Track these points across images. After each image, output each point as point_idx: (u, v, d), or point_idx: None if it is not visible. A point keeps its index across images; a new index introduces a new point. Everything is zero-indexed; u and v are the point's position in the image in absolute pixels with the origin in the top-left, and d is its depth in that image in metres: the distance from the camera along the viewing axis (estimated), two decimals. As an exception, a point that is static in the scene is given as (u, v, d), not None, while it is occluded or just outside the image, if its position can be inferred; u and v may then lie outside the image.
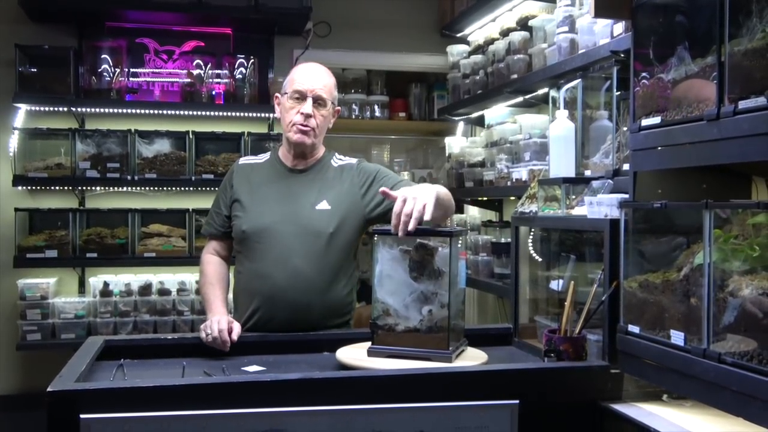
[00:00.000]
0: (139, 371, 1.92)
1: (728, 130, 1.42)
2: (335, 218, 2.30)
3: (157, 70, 4.13)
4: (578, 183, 2.21)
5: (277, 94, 2.42)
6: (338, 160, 2.45)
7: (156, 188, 4.06)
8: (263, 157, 2.47)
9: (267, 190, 2.34)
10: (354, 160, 2.46)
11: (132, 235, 3.92)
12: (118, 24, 4.13)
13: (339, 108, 2.47)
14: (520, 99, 3.39)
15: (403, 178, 2.43)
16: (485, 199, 4.09)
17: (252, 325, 2.28)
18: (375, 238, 1.98)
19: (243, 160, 2.48)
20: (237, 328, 2.13)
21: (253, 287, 2.30)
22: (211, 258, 2.41)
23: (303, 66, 2.40)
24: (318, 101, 2.30)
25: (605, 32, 2.35)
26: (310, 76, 2.32)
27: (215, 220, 2.42)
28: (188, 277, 3.97)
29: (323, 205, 2.31)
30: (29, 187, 3.95)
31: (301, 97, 2.29)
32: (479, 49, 3.85)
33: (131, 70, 4.08)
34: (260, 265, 2.28)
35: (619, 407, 1.71)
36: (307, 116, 2.29)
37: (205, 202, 3.54)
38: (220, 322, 2.10)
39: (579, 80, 2.45)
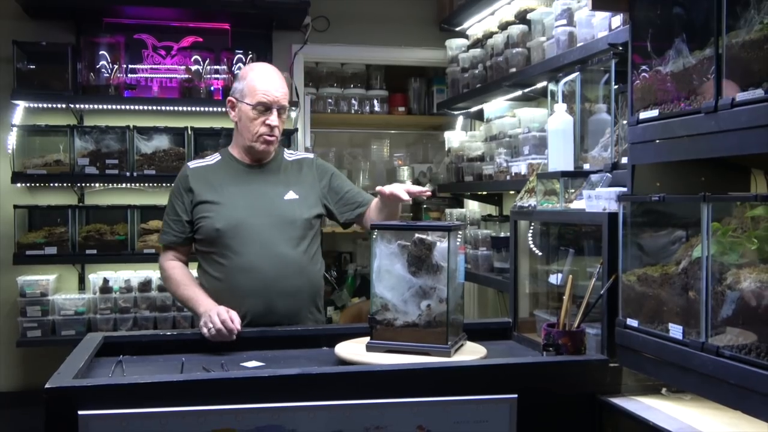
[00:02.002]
0: (137, 367, 1.92)
1: (726, 123, 1.41)
2: (305, 206, 2.40)
3: (155, 66, 4.12)
4: (577, 177, 2.20)
5: (231, 99, 2.41)
6: (290, 154, 2.54)
7: (155, 184, 4.05)
8: (213, 158, 2.48)
9: (231, 188, 2.36)
10: (310, 155, 2.58)
11: (131, 231, 3.92)
12: (116, 20, 4.11)
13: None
14: (519, 93, 3.38)
15: (348, 181, 2.57)
16: (485, 193, 4.09)
17: (250, 319, 2.27)
18: (374, 234, 1.97)
19: (193, 164, 2.47)
20: (236, 315, 2.14)
21: (239, 283, 2.29)
22: (174, 263, 2.40)
23: (261, 73, 2.39)
24: (281, 110, 2.38)
25: (603, 25, 2.35)
26: (272, 87, 2.35)
27: (173, 228, 2.38)
28: (188, 273, 3.97)
29: (291, 195, 2.40)
30: (28, 184, 3.94)
31: (266, 108, 2.34)
32: (478, 42, 3.84)
33: (129, 66, 4.06)
34: (243, 260, 2.29)
35: (617, 401, 1.71)
36: (273, 127, 2.36)
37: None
38: (220, 314, 2.11)
39: (577, 73, 2.44)
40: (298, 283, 2.33)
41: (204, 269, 2.39)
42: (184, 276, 2.36)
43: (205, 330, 2.11)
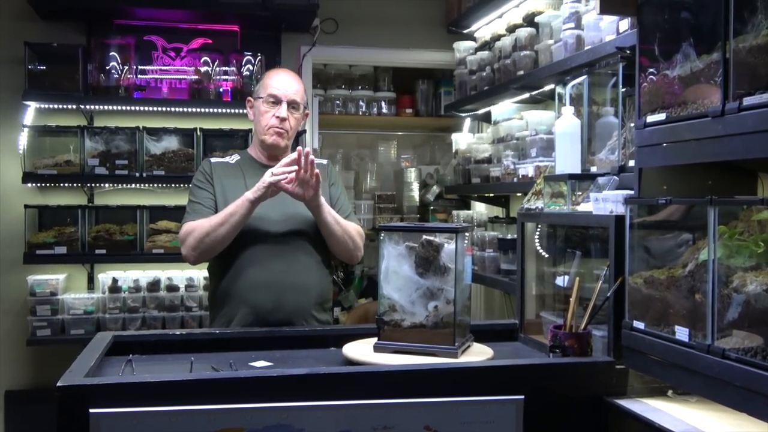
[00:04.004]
0: (147, 366, 1.94)
1: (733, 127, 1.42)
2: None
3: (165, 68, 4.14)
4: (584, 179, 2.21)
5: (249, 98, 2.55)
6: None
7: (164, 185, 4.07)
8: (234, 158, 2.56)
9: (248, 185, 2.39)
10: (324, 161, 2.63)
11: (140, 231, 3.94)
12: (126, 21, 4.14)
13: (308, 112, 2.64)
14: (526, 95, 3.38)
15: (345, 197, 2.59)
16: (492, 195, 4.10)
17: (261, 314, 2.32)
18: (381, 235, 1.99)
19: (216, 159, 2.56)
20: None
21: (250, 277, 2.35)
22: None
23: (276, 72, 2.55)
24: (292, 105, 2.45)
25: (611, 28, 2.35)
26: (284, 83, 2.47)
27: (205, 204, 2.41)
28: (196, 273, 3.99)
29: None
30: (39, 184, 3.97)
31: (276, 101, 2.44)
32: (486, 45, 3.85)
33: (139, 67, 4.09)
34: (256, 254, 2.35)
35: (623, 403, 1.71)
36: (282, 119, 2.43)
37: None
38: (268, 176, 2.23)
39: (585, 76, 2.45)
40: (308, 281, 2.39)
41: (216, 265, 2.43)
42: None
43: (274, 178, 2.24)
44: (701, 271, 1.50)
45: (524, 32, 3.30)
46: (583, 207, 2.11)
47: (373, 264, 5.19)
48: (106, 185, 4.08)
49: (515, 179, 3.28)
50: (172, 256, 3.94)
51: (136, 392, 1.53)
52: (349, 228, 2.44)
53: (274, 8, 3.96)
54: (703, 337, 1.47)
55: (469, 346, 1.99)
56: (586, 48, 2.56)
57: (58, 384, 1.52)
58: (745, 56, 1.40)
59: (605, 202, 1.91)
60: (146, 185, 4.05)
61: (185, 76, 4.13)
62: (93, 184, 4.06)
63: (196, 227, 2.34)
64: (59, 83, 3.91)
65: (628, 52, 2.18)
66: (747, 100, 1.38)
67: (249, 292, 2.34)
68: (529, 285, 2.34)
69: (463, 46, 4.14)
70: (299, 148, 2.25)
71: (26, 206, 3.87)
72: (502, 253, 3.45)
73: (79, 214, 3.90)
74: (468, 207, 4.65)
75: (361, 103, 5.01)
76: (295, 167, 2.23)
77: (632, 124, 2.04)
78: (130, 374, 1.85)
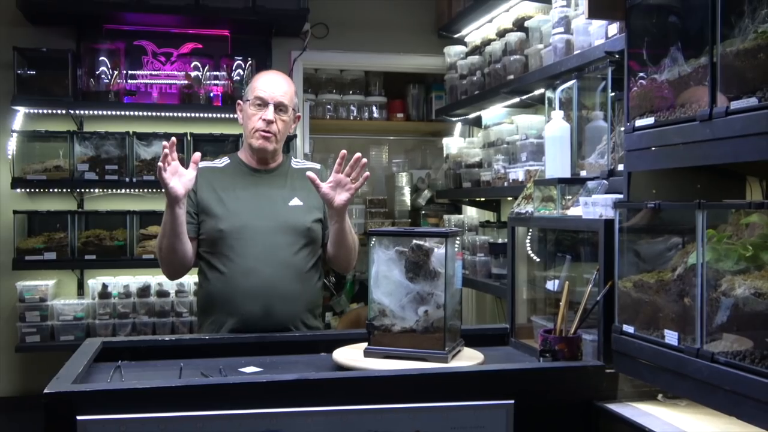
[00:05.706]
0: (136, 372, 1.93)
1: (721, 131, 1.43)
2: (308, 213, 2.41)
3: (155, 72, 4.13)
4: (574, 183, 2.22)
5: (239, 101, 2.51)
6: (297, 162, 2.57)
7: (154, 190, 4.06)
8: (223, 161, 2.51)
9: (237, 191, 2.39)
10: (317, 165, 2.59)
11: (130, 236, 3.93)
12: (116, 26, 4.12)
13: (300, 114, 2.58)
14: (516, 99, 3.40)
15: None
16: (483, 199, 4.10)
17: (251, 322, 2.29)
18: (372, 240, 1.98)
19: (203, 164, 2.47)
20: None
21: (239, 285, 2.31)
22: None
23: (264, 74, 2.50)
24: (279, 108, 2.40)
25: (600, 33, 2.36)
26: (271, 84, 2.41)
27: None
28: (186, 278, 3.97)
29: (295, 201, 2.42)
30: (28, 190, 3.95)
31: (262, 104, 2.39)
32: (476, 49, 3.86)
33: (129, 72, 4.08)
34: (245, 262, 2.31)
35: (614, 407, 1.72)
36: (269, 122, 2.38)
37: (203, 204, 3.53)
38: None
39: (574, 81, 2.46)
40: (297, 288, 2.35)
41: (204, 272, 2.40)
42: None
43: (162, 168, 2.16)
44: (690, 274, 1.51)
45: (514, 37, 3.31)
46: (573, 211, 2.11)
47: (364, 269, 5.19)
48: (96, 190, 4.07)
49: (506, 183, 3.28)
50: (163, 262, 3.93)
51: (124, 399, 1.52)
52: (356, 239, 2.42)
53: (265, 13, 3.96)
54: (693, 341, 1.48)
55: (459, 351, 1.99)
56: (575, 52, 2.57)
57: (45, 390, 1.51)
58: (732, 60, 1.41)
59: (595, 206, 1.91)
60: (136, 190, 4.04)
61: (175, 81, 4.12)
62: (82, 190, 4.05)
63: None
64: (49, 88, 3.89)
65: (617, 56, 2.19)
66: (734, 104, 1.39)
67: (238, 301, 2.30)
68: (519, 289, 2.34)
69: (453, 51, 4.15)
70: (343, 152, 2.23)
71: (15, 212, 3.86)
72: (493, 257, 3.46)
73: (69, 219, 3.89)
74: (459, 211, 4.65)
75: (352, 107, 5.01)
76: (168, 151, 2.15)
77: (621, 128, 2.04)
78: (119, 380, 1.83)
